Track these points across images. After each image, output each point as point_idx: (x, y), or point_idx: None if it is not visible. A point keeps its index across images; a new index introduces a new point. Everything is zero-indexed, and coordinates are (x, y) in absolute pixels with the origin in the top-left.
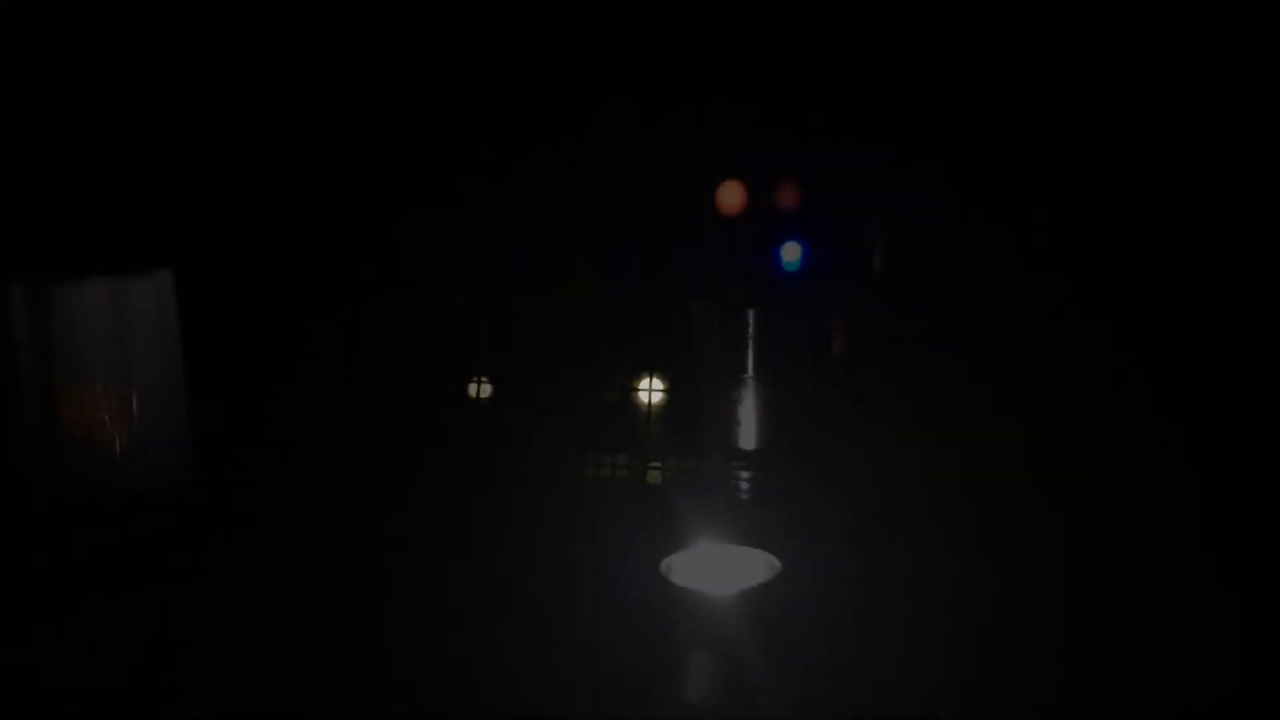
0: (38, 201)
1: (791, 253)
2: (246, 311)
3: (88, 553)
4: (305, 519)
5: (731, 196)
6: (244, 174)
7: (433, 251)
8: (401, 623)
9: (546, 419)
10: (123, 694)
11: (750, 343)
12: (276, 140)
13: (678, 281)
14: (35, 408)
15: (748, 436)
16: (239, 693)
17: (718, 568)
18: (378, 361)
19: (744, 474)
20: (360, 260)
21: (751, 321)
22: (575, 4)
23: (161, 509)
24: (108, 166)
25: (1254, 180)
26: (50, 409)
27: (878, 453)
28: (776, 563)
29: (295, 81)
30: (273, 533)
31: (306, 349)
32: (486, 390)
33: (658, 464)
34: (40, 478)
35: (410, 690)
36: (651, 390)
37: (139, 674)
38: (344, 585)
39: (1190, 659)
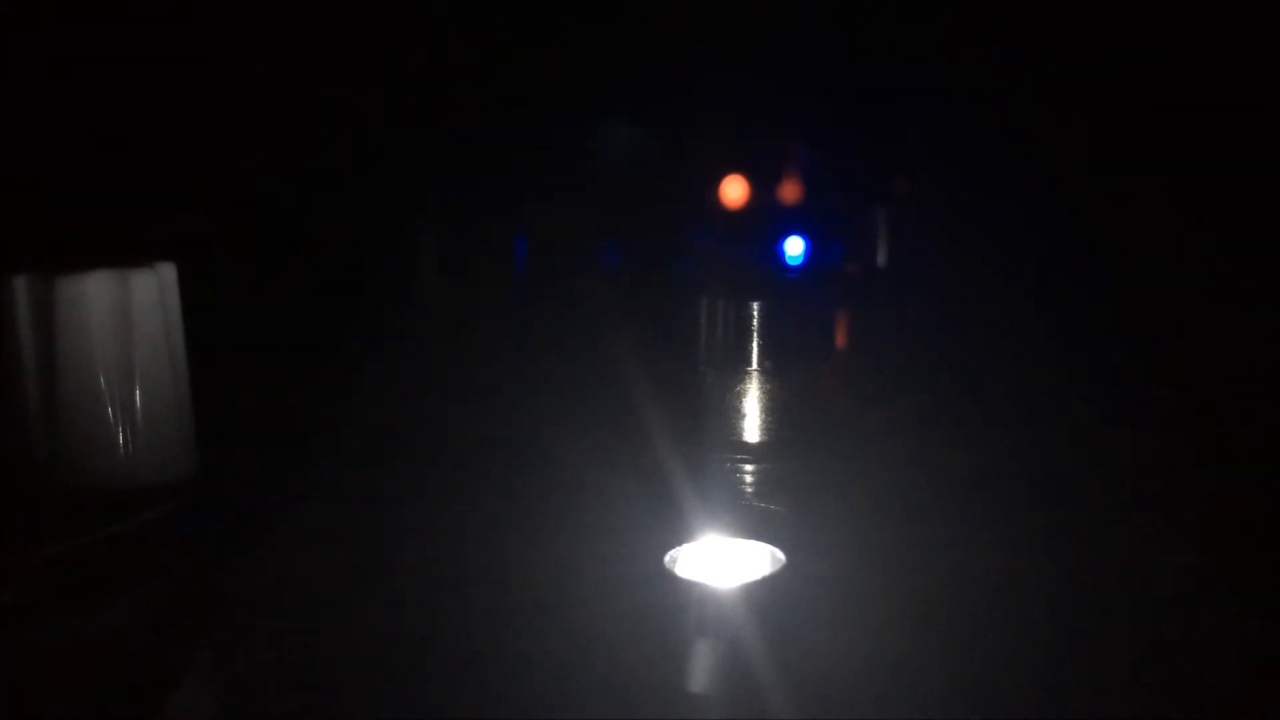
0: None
1: None
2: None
3: (88, 548)
4: (302, 513)
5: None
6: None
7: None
8: (402, 618)
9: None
10: (122, 691)
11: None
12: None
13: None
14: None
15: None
16: (240, 691)
17: (722, 561)
18: (381, 353)
19: (749, 467)
20: (371, 259)
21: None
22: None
23: (163, 503)
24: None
25: None
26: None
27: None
28: (781, 556)
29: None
30: (272, 528)
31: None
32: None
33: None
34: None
35: (411, 685)
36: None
37: (139, 672)
38: (341, 581)
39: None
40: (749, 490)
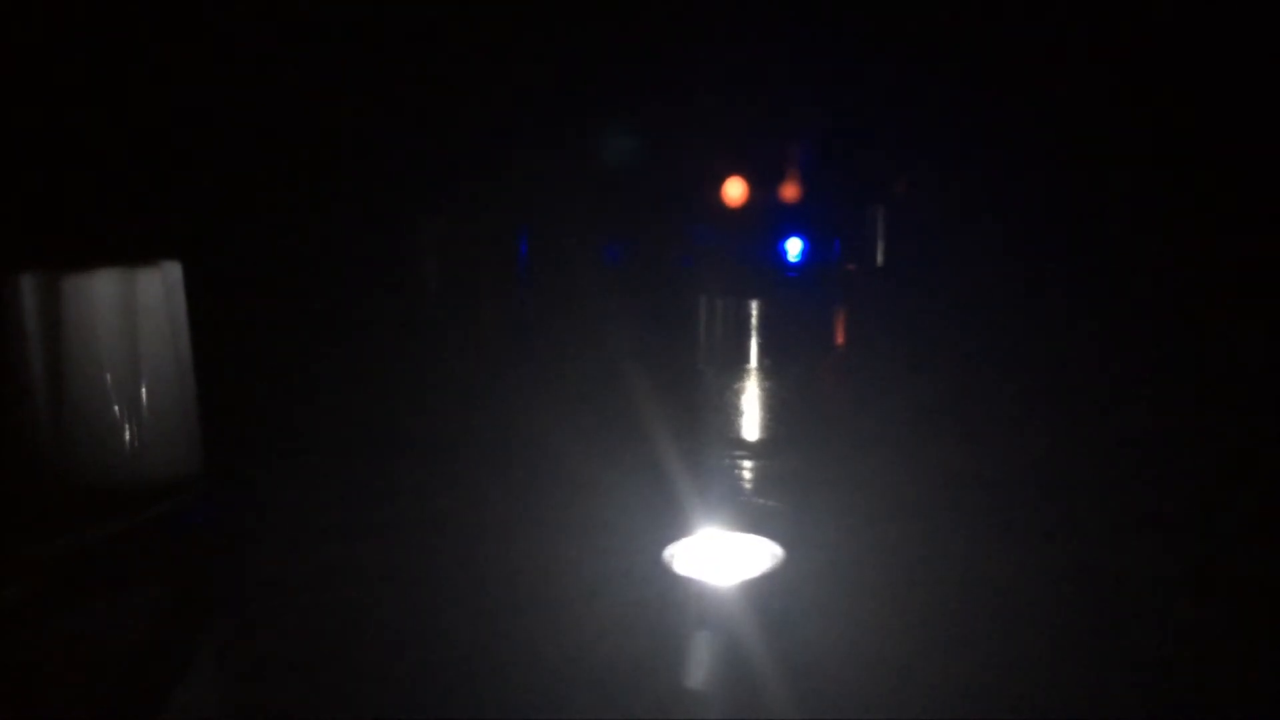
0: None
1: None
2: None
3: (93, 545)
4: (305, 510)
5: None
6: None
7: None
8: (403, 615)
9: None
10: (122, 691)
11: None
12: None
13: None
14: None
15: (751, 426)
16: (240, 690)
17: (721, 556)
18: (383, 351)
19: (747, 463)
20: (373, 257)
21: None
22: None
23: (168, 500)
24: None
25: None
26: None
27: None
28: (780, 552)
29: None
30: (276, 524)
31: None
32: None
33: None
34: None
35: (410, 683)
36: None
37: (139, 671)
38: (341, 579)
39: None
40: (748, 486)
